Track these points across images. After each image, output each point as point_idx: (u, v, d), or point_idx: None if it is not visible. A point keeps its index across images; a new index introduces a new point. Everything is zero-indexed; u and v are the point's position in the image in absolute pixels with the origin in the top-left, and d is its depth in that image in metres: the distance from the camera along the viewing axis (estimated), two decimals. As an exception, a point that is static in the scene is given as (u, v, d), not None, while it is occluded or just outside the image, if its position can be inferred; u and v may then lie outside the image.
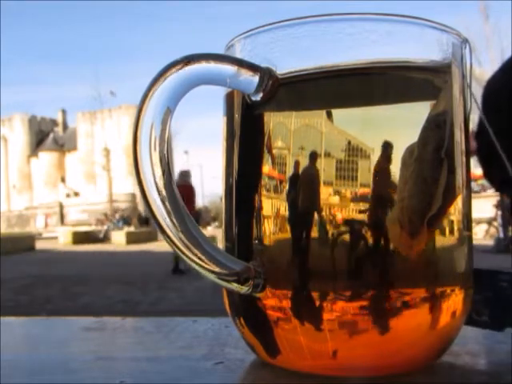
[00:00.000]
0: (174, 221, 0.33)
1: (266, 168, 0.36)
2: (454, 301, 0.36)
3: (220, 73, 0.34)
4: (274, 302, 0.35)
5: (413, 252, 0.34)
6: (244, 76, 0.35)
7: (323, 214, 0.34)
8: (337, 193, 0.34)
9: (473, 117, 0.40)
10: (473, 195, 0.41)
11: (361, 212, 0.33)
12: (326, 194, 0.34)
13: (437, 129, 0.35)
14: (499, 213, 11.55)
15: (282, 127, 0.35)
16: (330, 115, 0.34)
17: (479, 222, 11.61)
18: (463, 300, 0.36)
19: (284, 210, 0.35)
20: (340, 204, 0.33)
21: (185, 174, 8.14)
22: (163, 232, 0.34)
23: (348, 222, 0.33)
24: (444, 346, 0.37)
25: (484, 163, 1.89)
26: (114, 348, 0.47)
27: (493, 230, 11.98)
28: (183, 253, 0.34)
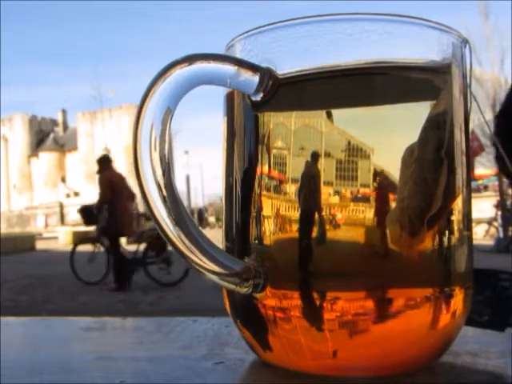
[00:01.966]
0: (174, 221, 0.33)
1: (266, 168, 0.36)
2: (454, 301, 0.36)
3: (220, 73, 0.34)
4: (274, 302, 0.35)
5: (413, 252, 0.34)
6: (244, 76, 0.35)
7: (323, 213, 0.34)
8: (337, 193, 0.34)
9: (473, 117, 0.40)
10: (473, 195, 0.41)
11: (361, 212, 0.33)
12: (326, 194, 0.34)
13: (437, 129, 0.35)
14: (499, 213, 11.56)
15: (282, 127, 0.35)
16: (329, 115, 0.34)
17: (479, 222, 11.61)
18: (463, 300, 0.36)
19: (284, 210, 0.35)
20: (340, 204, 0.33)
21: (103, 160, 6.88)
22: (163, 232, 0.34)
23: (348, 222, 0.33)
24: (444, 345, 0.37)
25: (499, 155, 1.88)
26: (113, 348, 0.47)
27: (493, 229, 11.98)
28: (183, 253, 0.34)
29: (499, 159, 1.84)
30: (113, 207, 6.59)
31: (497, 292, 0.39)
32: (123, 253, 7.05)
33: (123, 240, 7.19)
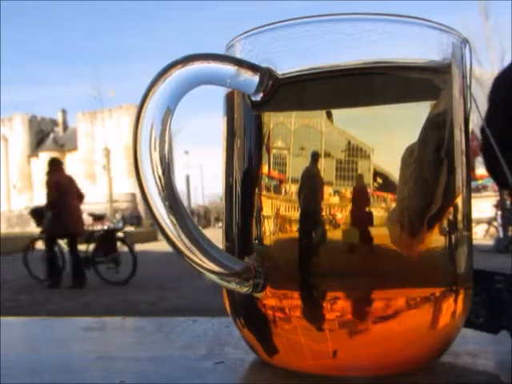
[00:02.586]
0: (174, 221, 0.33)
1: (266, 168, 0.36)
2: (454, 301, 0.36)
3: (220, 73, 0.34)
4: (274, 302, 0.35)
5: (413, 252, 0.34)
6: (244, 76, 0.35)
7: (323, 213, 0.34)
8: (337, 193, 0.34)
9: (473, 117, 0.40)
10: (473, 195, 0.41)
11: (361, 212, 0.33)
12: (327, 194, 0.34)
13: (437, 129, 0.35)
14: (499, 213, 11.54)
15: (282, 127, 0.35)
16: (329, 115, 0.34)
17: (479, 222, 11.59)
18: (463, 300, 0.36)
19: (284, 210, 0.35)
20: (340, 204, 0.33)
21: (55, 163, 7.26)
22: (163, 232, 0.34)
23: (348, 222, 0.33)
24: (444, 346, 0.37)
25: (488, 159, 1.91)
26: (113, 348, 0.47)
27: (493, 229, 11.97)
28: (183, 253, 0.34)
29: (487, 151, 1.85)
30: (59, 208, 6.89)
31: (491, 294, 0.39)
32: (56, 253, 7.36)
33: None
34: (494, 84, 1.95)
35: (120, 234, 8.18)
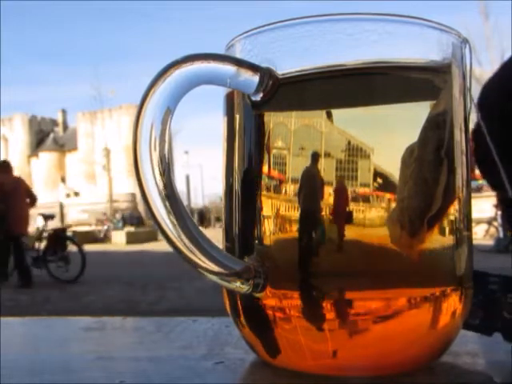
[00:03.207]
0: (174, 221, 0.33)
1: (266, 168, 0.36)
2: (454, 301, 0.36)
3: (220, 73, 0.34)
4: (274, 301, 0.35)
5: (413, 252, 0.34)
6: (244, 76, 0.35)
7: (323, 213, 0.34)
8: (337, 193, 0.34)
9: (473, 117, 0.40)
10: (473, 195, 0.41)
11: (361, 212, 0.33)
12: (327, 194, 0.34)
13: (437, 129, 0.35)
14: (499, 213, 11.53)
15: (282, 127, 0.35)
16: (329, 115, 0.34)
17: (479, 222, 11.58)
18: (463, 300, 0.36)
19: (284, 209, 0.35)
20: (340, 204, 0.33)
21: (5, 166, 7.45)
22: (163, 232, 0.34)
23: (348, 222, 0.33)
24: (444, 346, 0.37)
25: (481, 163, 1.91)
26: (113, 348, 0.47)
27: (493, 230, 11.96)
28: (183, 253, 0.34)
29: (482, 152, 1.85)
30: (3, 209, 7.02)
31: (486, 295, 0.39)
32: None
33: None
34: (487, 86, 1.96)
35: (69, 233, 8.40)
